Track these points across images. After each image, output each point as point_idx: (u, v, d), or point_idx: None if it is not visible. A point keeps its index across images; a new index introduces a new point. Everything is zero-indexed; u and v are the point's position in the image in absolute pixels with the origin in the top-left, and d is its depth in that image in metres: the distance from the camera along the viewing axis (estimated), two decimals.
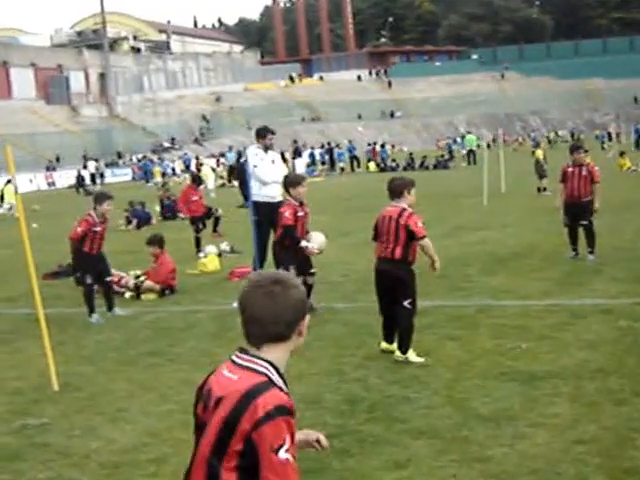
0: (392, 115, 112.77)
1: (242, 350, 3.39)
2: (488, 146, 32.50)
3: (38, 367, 10.74)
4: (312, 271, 12.57)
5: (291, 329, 3.38)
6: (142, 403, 8.87)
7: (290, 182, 12.70)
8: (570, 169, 15.98)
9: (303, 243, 12.31)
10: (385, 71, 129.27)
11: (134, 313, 14.11)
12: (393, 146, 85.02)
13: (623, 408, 7.72)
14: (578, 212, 15.70)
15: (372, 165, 62.38)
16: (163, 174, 67.24)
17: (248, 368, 3.30)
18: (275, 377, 3.30)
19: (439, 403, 8.21)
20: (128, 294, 15.64)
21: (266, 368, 3.30)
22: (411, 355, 9.74)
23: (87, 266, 13.59)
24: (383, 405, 8.23)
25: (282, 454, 3.13)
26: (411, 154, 64.19)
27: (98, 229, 13.53)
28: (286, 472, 3.12)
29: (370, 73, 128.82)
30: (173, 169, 73.98)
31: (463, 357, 9.82)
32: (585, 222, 15.68)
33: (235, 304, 13.76)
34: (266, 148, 15.05)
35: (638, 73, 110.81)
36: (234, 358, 3.38)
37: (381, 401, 8.36)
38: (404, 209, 9.92)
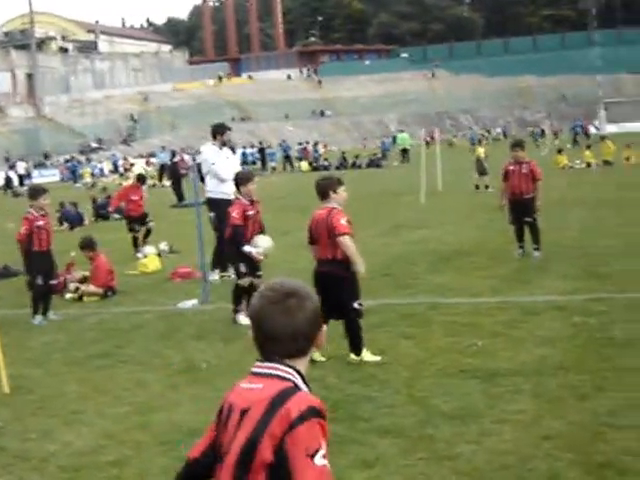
0: (322, 114, 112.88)
1: (261, 360, 3.23)
2: (427, 144, 32.55)
3: None
4: (259, 273, 12.26)
5: (310, 342, 3.25)
6: (96, 405, 8.67)
7: (240, 179, 12.36)
8: (511, 167, 16.09)
9: (246, 248, 11.86)
10: (315, 70, 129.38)
11: (76, 315, 13.87)
12: (325, 145, 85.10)
13: (587, 403, 7.72)
14: (522, 209, 15.79)
15: (304, 164, 62.36)
16: (92, 175, 66.62)
17: (272, 375, 3.14)
18: (300, 383, 3.16)
19: (401, 402, 8.14)
20: (69, 295, 15.37)
21: (291, 374, 3.16)
22: (365, 355, 9.66)
23: (39, 266, 13.33)
24: (345, 404, 8.14)
25: (319, 460, 2.93)
26: (343, 153, 64.30)
27: (41, 223, 13.31)
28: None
29: (300, 72, 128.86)
30: (101, 170, 73.30)
31: (420, 355, 9.76)
32: (529, 219, 15.77)
33: (181, 304, 13.66)
34: (222, 145, 14.95)
35: (569, 70, 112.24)
36: (254, 369, 3.22)
37: (342, 400, 8.27)
38: (333, 208, 9.72)
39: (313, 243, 9.98)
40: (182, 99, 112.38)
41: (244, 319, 11.31)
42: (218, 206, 14.59)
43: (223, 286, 14.45)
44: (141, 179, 22.83)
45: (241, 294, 11.89)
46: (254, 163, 66.64)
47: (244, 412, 3.09)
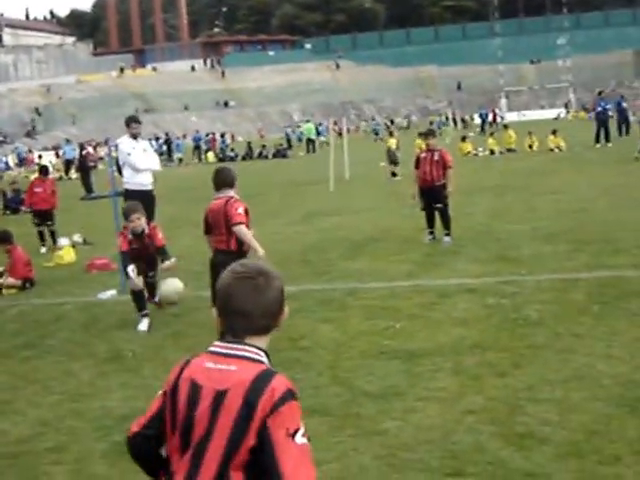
0: (226, 105, 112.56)
1: (224, 340, 3.29)
2: (340, 134, 32.86)
3: None
4: (151, 274, 12.17)
5: (275, 321, 3.35)
6: (27, 395, 8.68)
7: (124, 213, 12.05)
8: (423, 154, 16.45)
9: (130, 270, 11.30)
10: (219, 61, 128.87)
11: None
12: (233, 136, 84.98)
13: (505, 379, 8.00)
14: (433, 196, 16.12)
15: (211, 155, 62.16)
16: None
17: (243, 357, 3.21)
18: (269, 364, 3.25)
19: (325, 383, 8.32)
20: None
21: (260, 356, 3.25)
22: None
23: None
24: None
25: (299, 439, 3.04)
26: (249, 143, 64.23)
27: None
28: (304, 458, 3.01)
29: (204, 63, 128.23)
30: (7, 163, 72.00)
31: (340, 339, 9.96)
32: (439, 205, 16.11)
33: (100, 295, 13.64)
34: (134, 137, 14.95)
35: (470, 60, 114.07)
36: (216, 349, 3.27)
37: None
38: (231, 197, 9.88)
39: (208, 232, 10.08)
40: (86, 91, 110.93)
41: (144, 325, 11.25)
42: (134, 197, 14.63)
43: None
44: (43, 170, 22.30)
45: (139, 298, 11.66)
46: (161, 154, 66.19)
47: (221, 394, 3.13)
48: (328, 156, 30.24)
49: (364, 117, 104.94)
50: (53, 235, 20.20)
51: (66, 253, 17.94)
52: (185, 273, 14.28)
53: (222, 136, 68.49)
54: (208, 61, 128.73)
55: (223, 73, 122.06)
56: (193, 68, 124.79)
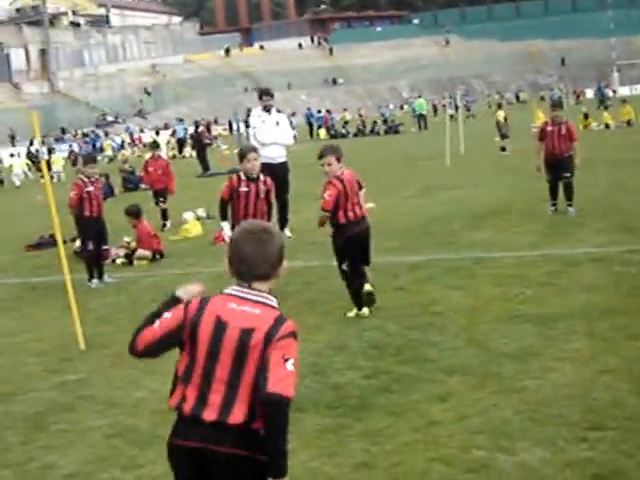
0: (334, 82, 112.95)
1: (242, 285, 3.99)
2: (457, 108, 33.01)
3: (54, 329, 11.14)
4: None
5: (275, 270, 4.01)
6: (171, 357, 9.13)
7: (239, 155, 12.02)
8: (549, 128, 16.53)
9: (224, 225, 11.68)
10: (326, 38, 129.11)
11: (130, 278, 14.45)
12: (345, 110, 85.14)
13: (638, 342, 8.23)
14: (561, 167, 16.26)
15: (323, 132, 62.65)
16: (112, 148, 67.24)
17: (264, 303, 3.93)
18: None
19: (462, 345, 8.66)
20: (119, 261, 15.97)
21: (274, 302, 3.97)
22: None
23: (89, 232, 13.90)
24: (409, 348, 8.67)
25: (289, 365, 3.78)
26: (362, 119, 64.40)
27: (91, 189, 13.88)
28: (288, 380, 3.73)
29: (312, 40, 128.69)
30: (122, 142, 73.79)
31: (472, 304, 10.27)
32: (567, 175, 16.25)
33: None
34: (267, 109, 15.42)
35: (580, 33, 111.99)
36: (238, 293, 3.97)
37: (406, 345, 8.80)
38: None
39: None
40: (194, 71, 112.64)
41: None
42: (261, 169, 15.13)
43: None
44: (153, 146, 22.55)
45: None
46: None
47: (248, 331, 3.86)
48: (440, 132, 30.38)
49: (473, 93, 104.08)
50: (164, 213, 20.62)
51: (192, 227, 18.59)
52: (304, 244, 15.07)
53: (328, 112, 68.73)
54: (315, 38, 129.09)
55: (331, 50, 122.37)
56: (300, 46, 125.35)
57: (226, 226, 11.52)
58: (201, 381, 3.95)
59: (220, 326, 3.88)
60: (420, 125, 59.47)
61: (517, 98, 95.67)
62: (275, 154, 15.50)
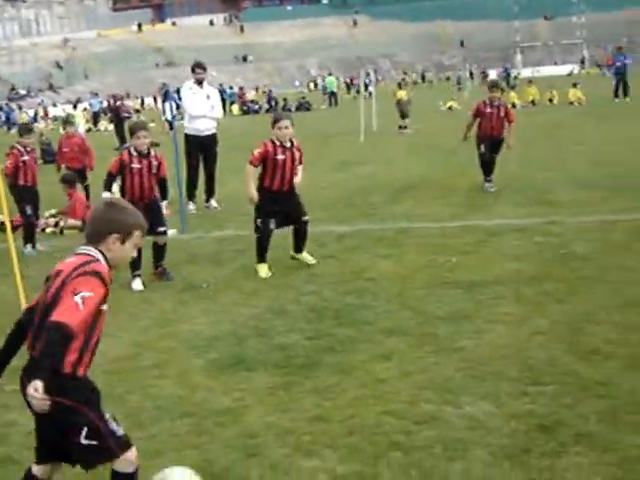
0: (245, 59, 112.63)
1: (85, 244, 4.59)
2: (366, 87, 33.37)
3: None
4: (161, 229, 11.15)
5: (103, 237, 4.53)
6: (116, 321, 9.12)
7: (129, 130, 11.85)
8: (488, 110, 16.56)
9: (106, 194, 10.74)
10: (237, 16, 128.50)
11: (62, 247, 14.31)
12: (257, 89, 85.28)
13: (564, 306, 8.62)
14: (493, 148, 16.68)
15: (235, 108, 62.62)
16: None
17: (83, 253, 4.48)
18: (102, 260, 4.47)
19: (396, 308, 8.93)
20: (49, 229, 15.93)
21: (95, 253, 4.48)
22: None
23: (26, 198, 13.89)
24: (346, 312, 8.91)
25: (77, 298, 4.16)
26: (273, 96, 64.43)
27: (27, 158, 13.93)
28: (73, 311, 4.13)
29: (223, 18, 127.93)
30: (34, 116, 72.61)
31: (402, 271, 10.56)
32: (494, 155, 16.76)
33: None
34: (199, 83, 15.49)
35: (484, 15, 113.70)
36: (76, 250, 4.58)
37: (343, 309, 9.04)
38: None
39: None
40: (107, 46, 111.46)
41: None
42: (191, 142, 15.24)
43: (198, 217, 15.27)
44: (66, 122, 21.10)
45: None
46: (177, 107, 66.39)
47: (59, 272, 4.39)
48: (350, 109, 30.68)
49: (380, 72, 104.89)
50: (87, 190, 19.76)
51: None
52: (232, 215, 15.29)
53: (241, 89, 68.67)
54: (226, 16, 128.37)
55: (242, 28, 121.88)
56: (212, 23, 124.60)
57: (107, 194, 10.79)
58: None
59: (50, 277, 4.47)
60: (331, 102, 59.92)
61: (423, 78, 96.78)
62: (204, 127, 15.62)
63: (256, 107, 61.31)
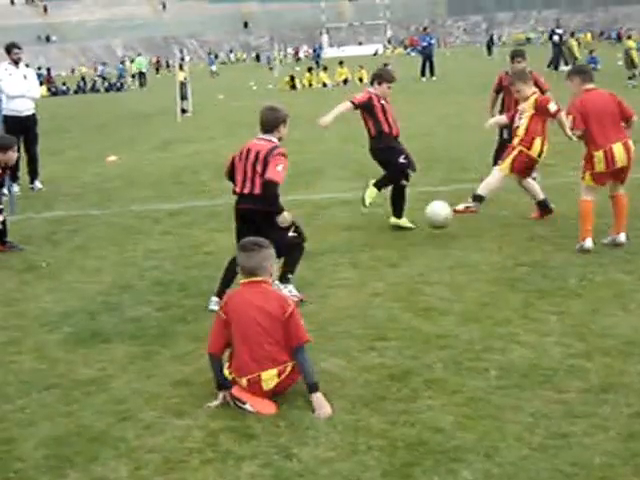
0: (48, 40, 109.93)
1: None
2: (181, 67, 33.20)
3: None
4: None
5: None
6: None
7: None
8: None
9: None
10: None
11: None
12: (73, 70, 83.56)
13: (398, 269, 9.27)
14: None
15: (43, 89, 61.06)
16: None
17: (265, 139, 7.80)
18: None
19: (238, 278, 9.26)
20: None
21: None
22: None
23: None
24: (192, 284, 9.22)
25: (279, 167, 7.87)
26: (83, 78, 63.40)
27: None
28: (278, 174, 7.89)
29: None
30: None
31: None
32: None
33: None
34: (16, 63, 15.36)
35: None
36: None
37: (188, 281, 9.36)
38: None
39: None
40: None
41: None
42: (9, 123, 15.11)
43: (25, 198, 15.16)
44: None
45: None
46: None
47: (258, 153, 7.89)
48: (162, 89, 30.70)
49: (188, 52, 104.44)
50: None
51: None
52: (57, 195, 15.62)
53: (48, 70, 67.14)
54: None
55: (45, 8, 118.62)
56: (12, 2, 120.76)
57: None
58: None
59: (244, 153, 8.27)
60: (141, 82, 59.48)
61: (229, 58, 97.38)
62: (23, 107, 15.49)
63: (64, 88, 59.97)
